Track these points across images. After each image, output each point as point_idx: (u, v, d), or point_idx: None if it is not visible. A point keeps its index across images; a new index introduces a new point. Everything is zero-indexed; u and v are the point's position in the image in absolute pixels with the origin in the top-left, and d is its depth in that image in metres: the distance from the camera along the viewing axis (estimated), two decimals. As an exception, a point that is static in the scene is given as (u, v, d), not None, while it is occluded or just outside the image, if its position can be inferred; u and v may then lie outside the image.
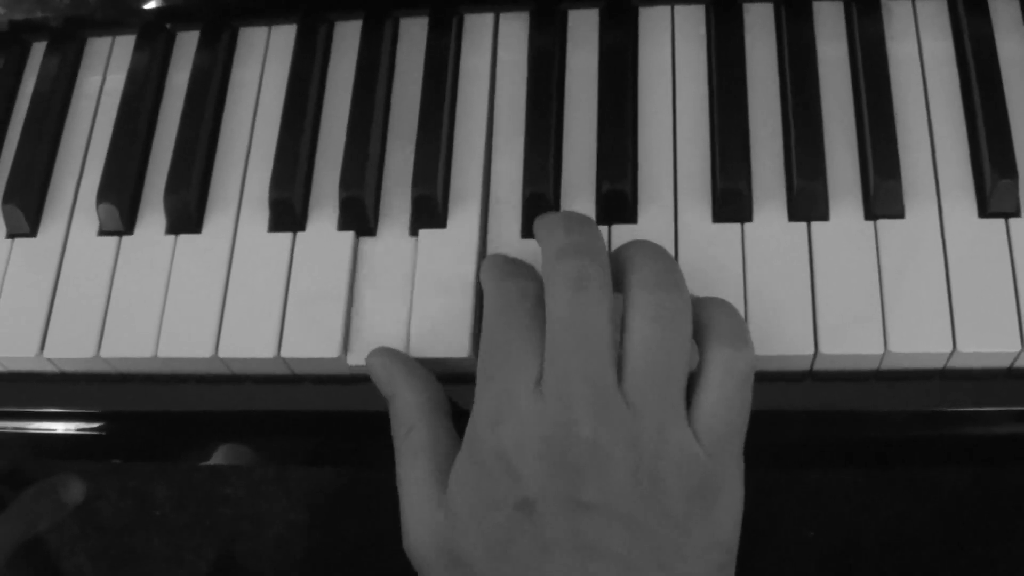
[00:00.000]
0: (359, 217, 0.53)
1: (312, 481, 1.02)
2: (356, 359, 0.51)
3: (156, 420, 0.56)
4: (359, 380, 0.51)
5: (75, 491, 0.78)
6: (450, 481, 0.44)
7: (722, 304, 0.46)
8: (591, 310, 0.43)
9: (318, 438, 0.58)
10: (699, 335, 0.45)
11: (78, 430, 0.56)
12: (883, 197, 0.51)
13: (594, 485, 0.41)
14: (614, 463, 0.41)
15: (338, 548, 1.01)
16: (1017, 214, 0.51)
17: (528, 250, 0.51)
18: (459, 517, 0.43)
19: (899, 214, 0.51)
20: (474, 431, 0.44)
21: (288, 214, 0.54)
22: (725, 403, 0.43)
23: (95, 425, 0.56)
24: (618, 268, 0.46)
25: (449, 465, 0.45)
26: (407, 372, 0.48)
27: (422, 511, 0.45)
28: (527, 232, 0.53)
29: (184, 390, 0.54)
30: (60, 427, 0.56)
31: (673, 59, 0.56)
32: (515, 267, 0.48)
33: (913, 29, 0.55)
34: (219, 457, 0.59)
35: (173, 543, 1.02)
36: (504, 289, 0.46)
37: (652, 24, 0.57)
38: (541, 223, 0.49)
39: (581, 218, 0.47)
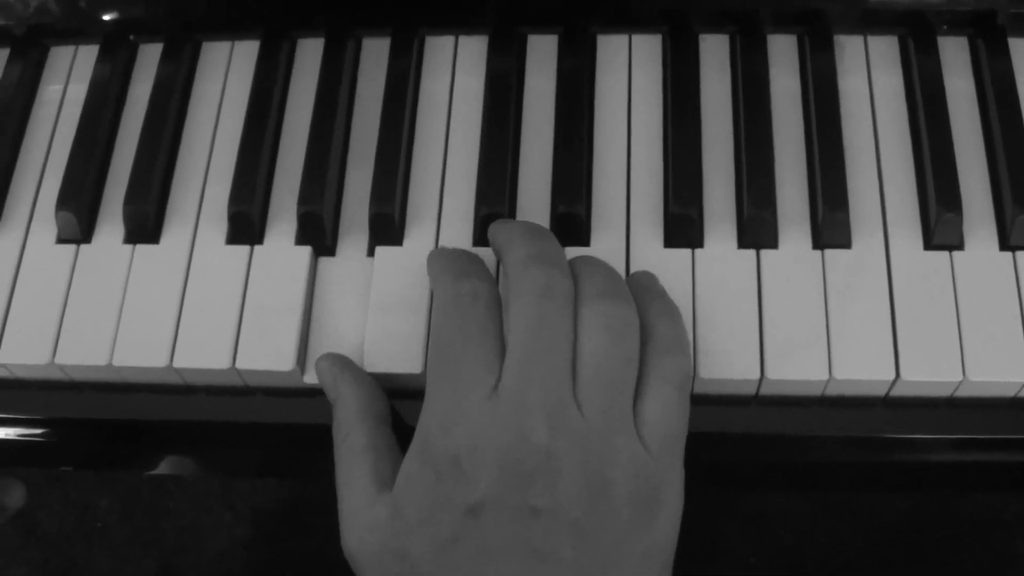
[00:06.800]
0: (317, 233, 0.53)
1: (256, 496, 1.02)
2: (312, 376, 0.51)
3: (102, 428, 0.56)
4: (310, 393, 0.52)
5: (16, 495, 0.77)
6: (398, 480, 0.44)
7: (662, 313, 0.46)
8: (557, 319, 0.44)
9: (266, 450, 0.58)
10: (641, 344, 0.45)
11: (20, 436, 0.55)
12: (831, 227, 0.52)
13: (546, 491, 0.41)
14: (567, 470, 0.41)
15: (280, 564, 1.01)
16: (960, 247, 0.52)
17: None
18: (406, 517, 0.43)
19: (846, 244, 0.52)
20: (426, 433, 0.43)
21: (247, 228, 0.54)
22: (666, 409, 0.44)
23: (39, 431, 0.55)
24: None
25: (387, 468, 0.45)
26: (351, 378, 0.48)
27: (361, 510, 0.44)
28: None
29: (132, 399, 0.54)
30: (3, 432, 0.55)
31: (629, 86, 0.57)
32: (467, 265, 0.47)
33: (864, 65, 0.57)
34: (165, 467, 0.59)
35: (115, 555, 1.01)
36: (457, 290, 0.45)
37: (609, 51, 0.58)
38: (501, 229, 0.48)
39: (543, 229, 0.48)
